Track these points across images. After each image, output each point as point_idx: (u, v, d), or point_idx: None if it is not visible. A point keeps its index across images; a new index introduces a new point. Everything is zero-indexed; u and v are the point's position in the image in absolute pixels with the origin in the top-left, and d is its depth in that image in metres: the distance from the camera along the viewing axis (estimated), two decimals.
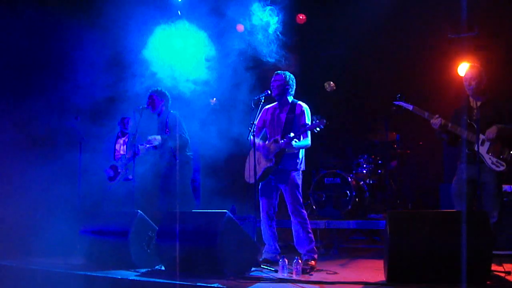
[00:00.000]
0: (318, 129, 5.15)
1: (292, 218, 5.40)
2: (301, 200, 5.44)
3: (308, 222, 5.40)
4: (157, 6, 7.41)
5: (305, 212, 5.41)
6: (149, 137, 6.44)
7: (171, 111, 6.61)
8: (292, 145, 5.25)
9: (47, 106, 7.93)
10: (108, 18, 7.11)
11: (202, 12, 7.41)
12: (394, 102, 5.44)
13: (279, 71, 5.57)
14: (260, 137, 5.64)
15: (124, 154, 7.16)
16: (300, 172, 5.51)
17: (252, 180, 5.40)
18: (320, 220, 6.96)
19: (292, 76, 5.55)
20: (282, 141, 5.27)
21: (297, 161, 5.46)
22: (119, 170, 7.12)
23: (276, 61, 6.29)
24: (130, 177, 6.86)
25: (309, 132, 5.41)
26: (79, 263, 5.63)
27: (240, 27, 7.46)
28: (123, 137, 7.37)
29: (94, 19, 7.46)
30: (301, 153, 5.51)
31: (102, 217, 5.94)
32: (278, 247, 5.58)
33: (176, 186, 6.27)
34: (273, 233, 5.55)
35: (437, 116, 5.14)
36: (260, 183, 5.53)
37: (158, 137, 6.46)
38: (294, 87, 5.57)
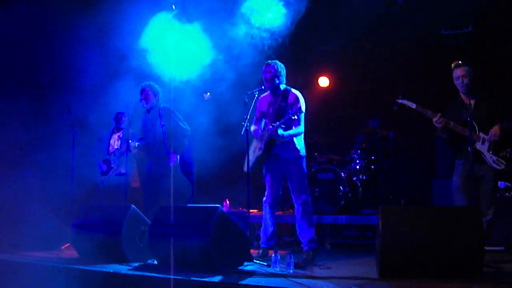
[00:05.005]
0: None
1: (296, 207, 5.42)
2: (306, 187, 5.42)
3: (312, 210, 5.42)
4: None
5: (310, 199, 5.41)
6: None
7: (161, 105, 6.56)
8: (279, 134, 5.23)
9: (41, 100, 7.89)
10: (103, 12, 7.08)
11: (197, 6, 7.38)
12: (397, 100, 5.39)
13: (269, 61, 5.56)
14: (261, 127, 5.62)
15: (118, 148, 7.13)
16: (303, 160, 5.47)
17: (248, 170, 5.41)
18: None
19: (282, 65, 5.55)
20: (269, 131, 5.25)
21: (296, 148, 5.42)
22: (112, 165, 7.09)
23: (270, 55, 6.27)
24: (123, 171, 6.83)
25: (302, 119, 5.40)
26: (71, 257, 5.61)
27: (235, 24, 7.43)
28: (118, 132, 7.35)
29: (89, 14, 7.43)
30: (297, 140, 5.46)
31: (95, 211, 5.91)
32: (273, 241, 5.57)
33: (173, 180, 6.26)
34: (273, 225, 5.54)
35: (439, 115, 5.11)
36: (267, 174, 5.52)
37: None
38: (285, 75, 5.56)
